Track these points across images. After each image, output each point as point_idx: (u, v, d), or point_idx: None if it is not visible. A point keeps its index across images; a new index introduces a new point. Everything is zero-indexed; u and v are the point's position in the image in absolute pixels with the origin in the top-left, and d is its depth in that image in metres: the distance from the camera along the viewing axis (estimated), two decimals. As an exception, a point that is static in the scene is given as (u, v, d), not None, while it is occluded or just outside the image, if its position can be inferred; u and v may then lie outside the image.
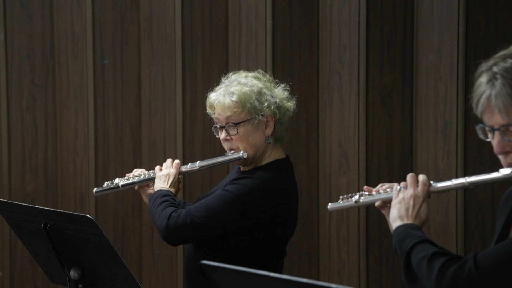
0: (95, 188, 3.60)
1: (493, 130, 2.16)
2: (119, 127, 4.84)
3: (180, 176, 3.34)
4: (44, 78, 4.85)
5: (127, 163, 4.83)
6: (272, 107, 3.17)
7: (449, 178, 2.37)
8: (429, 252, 2.20)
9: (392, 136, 4.56)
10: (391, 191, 2.44)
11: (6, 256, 4.90)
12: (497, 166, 2.23)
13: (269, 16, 4.64)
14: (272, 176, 3.13)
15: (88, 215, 2.72)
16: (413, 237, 2.26)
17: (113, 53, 4.82)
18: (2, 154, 4.85)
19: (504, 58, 2.15)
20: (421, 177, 2.38)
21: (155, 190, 3.28)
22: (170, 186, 3.27)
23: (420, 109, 4.51)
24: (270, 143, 3.20)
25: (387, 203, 2.46)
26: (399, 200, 2.37)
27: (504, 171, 2.20)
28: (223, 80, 3.27)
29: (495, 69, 2.14)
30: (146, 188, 3.42)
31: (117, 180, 3.47)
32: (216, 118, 3.21)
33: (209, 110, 3.25)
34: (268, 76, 3.27)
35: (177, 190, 3.31)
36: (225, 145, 3.22)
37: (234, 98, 3.13)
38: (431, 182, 2.39)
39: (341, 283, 4.62)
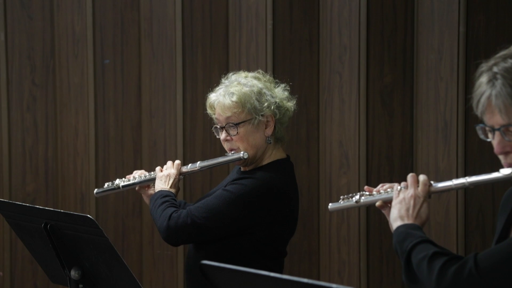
0: (96, 189, 3.61)
1: (493, 130, 2.16)
2: (120, 127, 4.84)
3: (181, 177, 3.34)
4: (45, 78, 4.85)
5: (127, 163, 4.84)
6: (272, 107, 3.17)
7: (450, 178, 2.37)
8: (429, 252, 2.20)
9: (393, 136, 4.56)
10: (392, 191, 2.44)
11: (6, 256, 4.90)
12: (497, 166, 2.23)
13: (270, 16, 4.64)
14: (273, 176, 3.13)
15: (88, 215, 2.72)
16: (413, 237, 2.26)
17: (113, 53, 4.82)
18: (3, 154, 4.85)
19: (504, 58, 2.15)
20: (422, 177, 2.38)
21: (156, 190, 3.28)
22: (170, 187, 3.27)
23: (420, 109, 4.51)
24: (270, 143, 3.20)
25: (387, 203, 2.46)
26: (399, 200, 2.37)
27: (504, 171, 2.20)
28: (223, 80, 3.27)
29: (495, 69, 2.14)
30: (146, 188, 3.42)
31: (117, 181, 3.47)
32: (216, 118, 3.21)
33: (209, 111, 3.25)
34: (268, 76, 3.27)
35: (177, 190, 3.31)
36: (226, 146, 3.22)
37: (234, 98, 3.13)
38: (432, 182, 2.39)
39: (341, 283, 4.62)
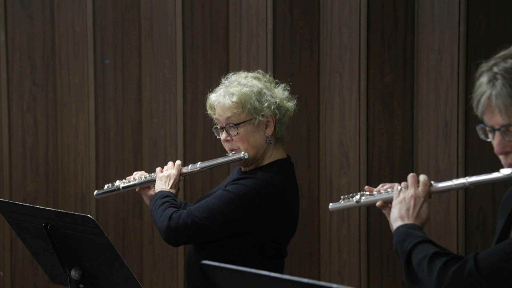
0: (96, 191, 3.61)
1: (493, 130, 2.16)
2: (120, 127, 4.84)
3: (181, 178, 3.34)
4: (45, 78, 4.85)
5: (127, 163, 4.84)
6: (272, 107, 3.17)
7: (450, 178, 2.37)
8: (429, 252, 2.20)
9: (393, 136, 4.56)
10: (392, 191, 2.44)
11: (7, 256, 4.90)
12: (497, 166, 2.23)
13: (270, 16, 4.64)
14: (273, 176, 3.13)
15: (89, 215, 2.72)
16: (413, 237, 2.26)
17: (113, 53, 4.82)
18: (3, 154, 4.85)
19: (504, 58, 2.15)
20: (422, 177, 2.38)
21: (156, 191, 3.28)
22: (171, 187, 3.27)
23: (420, 109, 4.51)
24: (270, 143, 3.20)
25: (388, 203, 2.46)
26: (400, 200, 2.37)
27: (504, 171, 2.20)
28: (223, 80, 3.27)
29: (495, 69, 2.14)
30: (147, 190, 3.43)
31: (117, 182, 3.47)
32: (216, 119, 3.21)
33: (209, 111, 3.25)
34: (268, 76, 3.27)
35: (177, 191, 3.31)
36: (226, 146, 3.22)
37: (234, 98, 3.13)
38: (432, 182, 2.39)
39: (341, 283, 4.62)
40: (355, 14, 4.53)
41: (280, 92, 3.24)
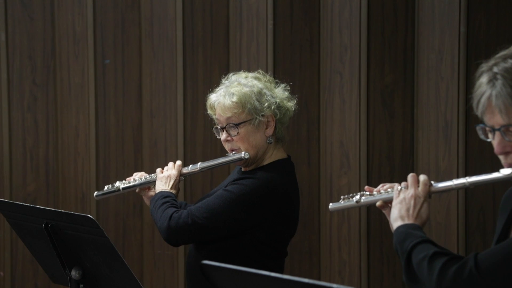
0: (96, 192, 3.61)
1: (493, 130, 2.16)
2: (120, 127, 4.84)
3: (181, 178, 3.34)
4: (45, 78, 4.85)
5: (128, 163, 4.84)
6: (273, 107, 3.17)
7: (450, 178, 2.37)
8: (429, 252, 2.20)
9: (393, 136, 4.56)
10: (392, 191, 2.44)
11: (7, 256, 4.90)
12: (498, 166, 2.23)
13: (270, 16, 4.64)
14: (274, 176, 3.13)
15: (89, 215, 2.72)
16: (414, 237, 2.26)
17: (114, 53, 4.82)
18: (3, 154, 4.85)
19: (504, 59, 2.16)
20: (422, 177, 2.38)
21: (156, 191, 3.28)
22: (171, 188, 3.27)
23: (421, 109, 4.51)
24: (271, 143, 3.20)
25: (388, 203, 2.46)
26: (400, 200, 2.37)
27: (504, 171, 2.20)
28: (223, 81, 3.27)
29: (495, 69, 2.14)
30: (147, 190, 3.43)
31: (117, 183, 3.47)
32: (216, 119, 3.21)
33: (209, 111, 3.25)
34: (268, 76, 3.27)
35: (178, 191, 3.31)
36: (226, 146, 3.22)
37: (234, 98, 3.13)
38: (432, 182, 2.39)
39: (342, 283, 4.62)
40: (355, 14, 4.53)
41: (280, 92, 3.24)
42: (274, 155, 3.21)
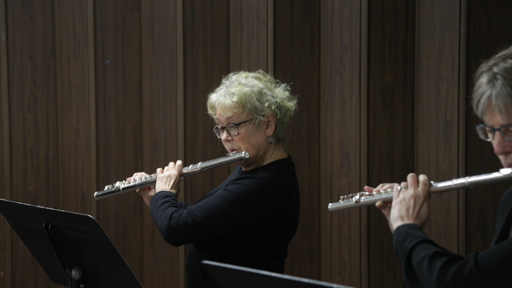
0: (96, 192, 3.61)
1: (493, 130, 2.16)
2: (121, 127, 4.84)
3: (182, 178, 3.34)
4: (46, 78, 4.85)
5: (128, 163, 4.84)
6: (273, 107, 3.17)
7: (450, 178, 2.36)
8: (429, 252, 2.20)
9: (394, 136, 4.56)
10: (392, 191, 2.44)
11: (7, 256, 4.90)
12: (498, 166, 2.23)
13: (270, 16, 4.64)
14: (274, 176, 3.13)
15: (89, 215, 2.72)
16: (414, 237, 2.26)
17: (114, 53, 4.82)
18: (4, 154, 4.85)
19: (504, 58, 2.16)
20: (422, 177, 2.38)
21: (157, 191, 3.28)
22: (171, 188, 3.27)
23: (421, 109, 4.51)
24: (271, 143, 3.20)
25: (387, 203, 2.46)
26: (399, 200, 2.37)
27: (504, 171, 2.20)
28: (223, 80, 3.27)
29: (495, 69, 2.14)
30: (147, 190, 3.42)
31: (117, 184, 3.47)
32: (217, 118, 3.21)
33: (210, 111, 3.25)
34: (268, 76, 3.27)
35: (178, 191, 3.31)
36: (227, 146, 3.22)
37: (235, 98, 3.13)
38: (432, 182, 2.39)
39: (342, 283, 4.62)
40: (355, 14, 4.53)
41: (280, 92, 3.24)
42: (274, 155, 3.22)
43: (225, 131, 3.18)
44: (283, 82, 3.29)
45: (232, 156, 3.19)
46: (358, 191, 2.57)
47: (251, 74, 3.25)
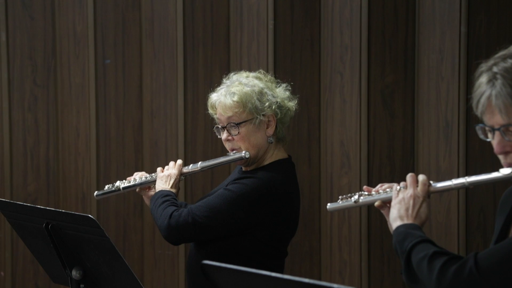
0: (96, 191, 3.61)
1: (493, 130, 2.16)
2: (121, 127, 4.84)
3: (182, 177, 3.34)
4: (46, 78, 4.85)
5: (128, 163, 4.84)
6: (274, 107, 3.17)
7: (451, 178, 2.36)
8: (429, 251, 2.20)
9: (394, 136, 4.56)
10: (391, 191, 2.44)
11: (7, 255, 4.90)
12: (498, 166, 2.23)
13: (271, 16, 4.64)
14: (274, 176, 3.13)
15: (89, 215, 2.72)
16: (413, 237, 2.26)
17: (114, 53, 4.82)
18: (4, 154, 4.85)
19: (504, 58, 2.16)
20: (421, 177, 2.38)
21: (157, 190, 3.28)
22: (171, 187, 3.27)
23: (421, 109, 4.51)
24: (271, 143, 3.20)
25: (386, 203, 2.46)
26: (399, 200, 2.37)
27: (504, 171, 2.20)
28: (224, 80, 3.27)
29: (495, 69, 2.14)
30: (147, 190, 3.42)
31: (118, 183, 3.47)
32: (217, 118, 3.21)
33: (210, 111, 3.25)
34: (269, 76, 3.27)
35: (178, 190, 3.31)
36: (227, 145, 3.22)
37: (235, 98, 3.14)
38: (431, 182, 2.39)
39: (342, 283, 4.62)
40: (356, 14, 4.53)
41: (281, 92, 3.24)
42: (275, 155, 3.22)
43: (225, 131, 3.18)
44: (283, 82, 3.29)
45: (232, 155, 3.19)
46: (358, 191, 2.57)
47: (252, 74, 3.25)
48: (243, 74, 3.25)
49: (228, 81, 3.24)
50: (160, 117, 4.80)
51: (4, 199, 3.29)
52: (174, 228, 3.09)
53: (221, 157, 3.27)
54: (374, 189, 2.51)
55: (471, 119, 4.39)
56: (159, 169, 3.35)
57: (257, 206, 3.09)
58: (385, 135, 4.56)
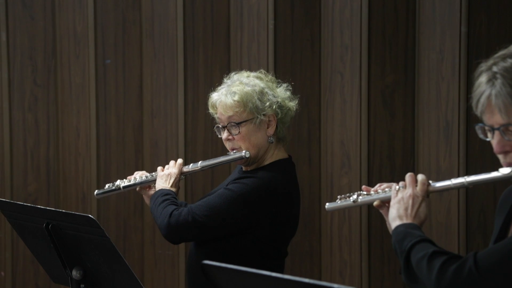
0: (96, 190, 3.60)
1: (493, 129, 2.16)
2: (121, 127, 4.84)
3: (182, 177, 3.34)
4: (46, 78, 4.85)
5: (128, 163, 4.84)
6: (274, 107, 3.17)
7: (451, 178, 2.36)
8: (429, 251, 2.20)
9: (394, 136, 4.56)
10: (390, 190, 2.44)
11: (8, 256, 4.90)
12: (498, 166, 2.23)
13: (271, 15, 4.64)
14: (274, 176, 3.13)
15: (90, 215, 2.72)
16: (412, 237, 2.26)
17: (114, 53, 4.82)
18: (4, 154, 4.86)
19: (503, 58, 2.16)
20: (420, 177, 2.38)
21: (157, 189, 3.28)
22: (171, 186, 3.27)
23: (422, 109, 4.51)
24: (272, 142, 3.20)
25: (385, 202, 2.46)
26: (398, 200, 2.37)
27: (503, 171, 2.20)
28: (225, 80, 3.27)
29: (495, 68, 2.14)
30: (147, 189, 3.42)
31: (118, 182, 3.47)
32: (218, 118, 3.22)
33: (211, 110, 3.25)
34: (270, 76, 3.27)
35: (178, 190, 3.31)
36: (227, 145, 3.22)
37: (236, 97, 3.14)
38: (430, 181, 2.39)
39: (343, 283, 4.62)
40: (356, 14, 4.53)
41: (282, 92, 3.24)
42: (275, 155, 3.22)
43: (226, 130, 3.18)
44: (284, 82, 3.30)
45: (232, 155, 3.19)
46: (358, 191, 2.57)
47: (252, 74, 3.25)
48: (244, 73, 3.26)
49: (229, 80, 3.25)
50: (160, 117, 4.80)
51: (4, 199, 3.29)
52: (174, 227, 3.09)
53: (221, 157, 3.27)
54: (373, 189, 2.51)
55: (471, 119, 4.38)
56: (159, 168, 3.35)
57: (257, 206, 3.09)
58: (385, 135, 4.56)
